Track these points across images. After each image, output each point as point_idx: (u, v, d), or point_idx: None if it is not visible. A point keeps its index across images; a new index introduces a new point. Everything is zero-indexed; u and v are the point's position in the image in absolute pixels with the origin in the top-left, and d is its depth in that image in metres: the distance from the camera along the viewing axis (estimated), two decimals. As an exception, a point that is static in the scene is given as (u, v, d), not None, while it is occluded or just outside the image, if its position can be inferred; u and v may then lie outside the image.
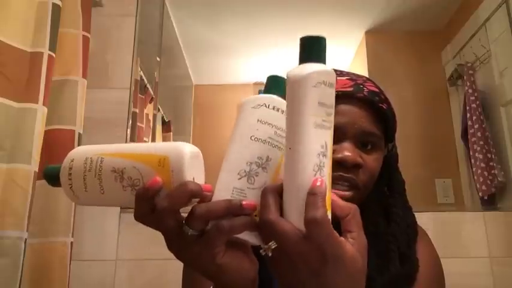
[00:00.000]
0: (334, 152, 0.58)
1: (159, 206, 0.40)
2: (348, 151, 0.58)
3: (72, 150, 0.46)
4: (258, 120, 0.43)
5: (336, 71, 0.66)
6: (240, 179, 0.42)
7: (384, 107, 0.62)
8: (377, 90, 0.64)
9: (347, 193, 0.58)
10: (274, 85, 0.45)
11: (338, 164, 0.58)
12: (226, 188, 0.42)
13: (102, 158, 0.44)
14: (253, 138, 0.42)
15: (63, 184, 0.45)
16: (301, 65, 0.41)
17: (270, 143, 0.43)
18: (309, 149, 0.38)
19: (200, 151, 0.45)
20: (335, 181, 0.58)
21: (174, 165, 0.41)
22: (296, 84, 0.39)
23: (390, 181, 0.68)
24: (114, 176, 0.42)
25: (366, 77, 0.66)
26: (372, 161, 0.61)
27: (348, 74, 0.65)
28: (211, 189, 0.43)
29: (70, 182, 0.45)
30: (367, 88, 0.62)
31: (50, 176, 0.47)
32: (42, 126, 0.96)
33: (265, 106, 0.43)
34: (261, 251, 0.40)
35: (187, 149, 0.43)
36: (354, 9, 1.74)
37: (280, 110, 0.43)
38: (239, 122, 0.44)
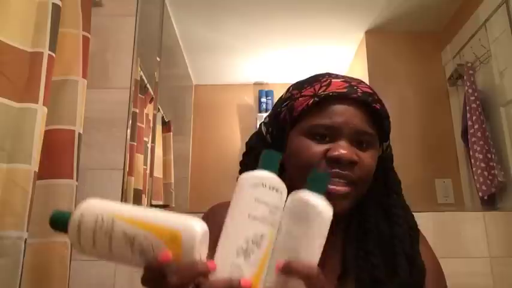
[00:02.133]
0: (330, 150, 0.61)
1: (169, 280, 0.43)
2: (343, 149, 0.60)
3: (83, 204, 0.47)
4: (255, 200, 0.46)
5: (331, 74, 0.68)
6: (238, 255, 0.45)
7: (378, 107, 0.64)
8: (370, 91, 0.65)
9: (344, 188, 0.60)
10: (269, 161, 0.48)
11: (334, 162, 0.60)
12: (226, 264, 0.45)
13: (114, 220, 0.45)
14: (250, 216, 0.45)
15: (71, 237, 0.46)
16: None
17: (264, 221, 0.45)
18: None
19: (208, 228, 0.47)
20: (332, 177, 0.60)
21: (185, 244, 0.43)
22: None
23: (387, 181, 0.69)
24: (125, 239, 0.44)
25: (359, 79, 0.68)
26: (368, 157, 0.62)
27: (342, 76, 0.67)
28: (215, 267, 0.44)
29: (78, 236, 0.46)
30: (361, 89, 0.64)
31: (57, 223, 0.47)
32: (42, 126, 0.96)
33: (263, 185, 0.46)
34: None
35: (199, 229, 0.44)
36: (354, 9, 1.74)
37: (275, 189, 0.46)
38: (238, 199, 0.47)
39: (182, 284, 0.43)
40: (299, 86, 0.68)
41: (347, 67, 1.88)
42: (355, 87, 0.64)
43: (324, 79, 0.66)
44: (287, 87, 0.72)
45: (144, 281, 0.45)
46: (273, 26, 1.78)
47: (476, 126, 1.48)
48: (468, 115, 1.51)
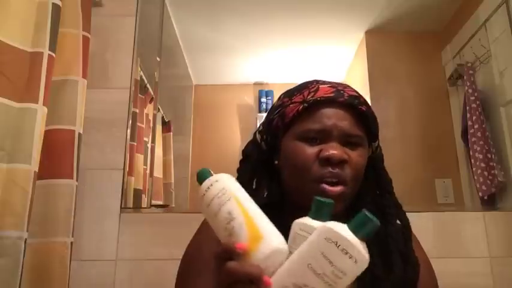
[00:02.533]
0: (321, 151, 0.64)
1: (227, 265, 0.47)
2: (333, 149, 0.64)
3: (220, 176, 0.56)
4: (322, 254, 0.45)
5: (318, 81, 0.72)
6: None
7: (364, 108, 0.68)
8: (356, 94, 0.69)
9: (338, 188, 0.63)
10: (358, 222, 0.46)
11: (326, 161, 0.64)
12: None
13: (231, 198, 0.52)
14: (309, 266, 0.45)
15: (200, 190, 0.55)
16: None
17: (322, 277, 0.45)
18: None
19: (288, 251, 0.49)
20: (325, 177, 0.63)
21: (260, 248, 0.48)
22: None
23: (379, 181, 0.73)
24: (227, 216, 0.51)
25: (346, 84, 0.72)
26: (357, 156, 0.66)
27: (329, 82, 0.72)
28: (270, 285, 0.46)
29: (203, 193, 0.54)
30: (347, 93, 0.68)
31: (200, 178, 0.56)
32: (42, 126, 0.96)
33: (336, 245, 0.45)
34: None
35: (277, 244, 0.49)
36: (354, 9, 1.74)
37: (348, 254, 0.44)
38: (307, 243, 0.47)
39: (233, 275, 0.47)
40: (289, 93, 0.72)
41: (347, 67, 1.88)
42: (342, 92, 0.68)
43: (312, 85, 0.70)
44: (287, 89, 0.74)
45: (216, 253, 0.50)
46: (273, 26, 1.78)
47: (476, 126, 1.48)
48: (468, 115, 1.51)
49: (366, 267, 0.45)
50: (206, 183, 0.55)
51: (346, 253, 0.44)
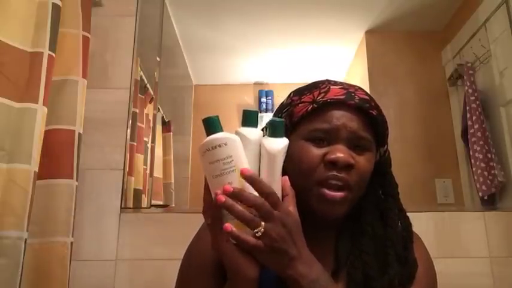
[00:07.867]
0: (328, 153, 0.63)
1: None
2: (340, 152, 0.62)
3: (230, 138, 0.55)
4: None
5: (330, 81, 0.71)
6: None
7: (374, 113, 0.66)
8: (367, 98, 0.68)
9: (340, 194, 0.62)
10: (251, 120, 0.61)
11: (331, 164, 0.62)
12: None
13: (235, 170, 0.54)
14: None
15: (205, 142, 0.56)
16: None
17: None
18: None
19: None
20: (329, 180, 0.62)
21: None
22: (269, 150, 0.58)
23: (384, 185, 0.72)
24: (224, 184, 0.55)
25: (358, 86, 0.70)
26: (364, 161, 0.65)
27: (341, 83, 0.70)
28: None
29: (208, 149, 0.55)
30: (358, 96, 0.67)
31: (210, 126, 0.56)
32: (42, 126, 0.96)
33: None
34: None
35: None
36: (354, 9, 1.74)
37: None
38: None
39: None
40: (299, 92, 0.71)
41: (347, 67, 1.88)
42: (353, 94, 0.66)
43: (324, 86, 0.69)
44: (287, 89, 0.74)
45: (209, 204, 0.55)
46: (273, 26, 1.78)
47: (476, 126, 1.48)
48: (468, 115, 1.51)
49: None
50: (214, 140, 0.54)
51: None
